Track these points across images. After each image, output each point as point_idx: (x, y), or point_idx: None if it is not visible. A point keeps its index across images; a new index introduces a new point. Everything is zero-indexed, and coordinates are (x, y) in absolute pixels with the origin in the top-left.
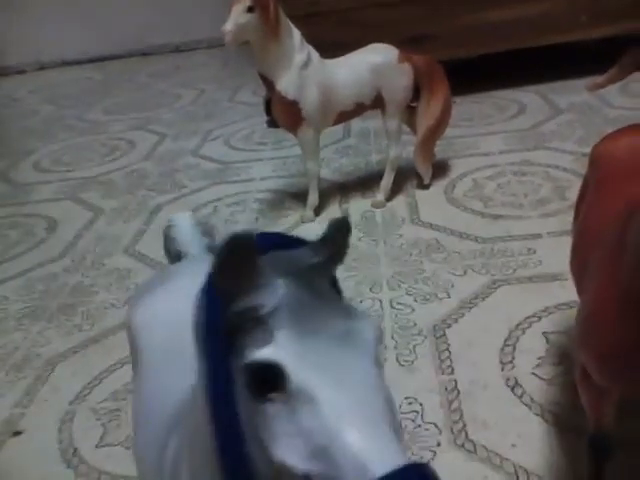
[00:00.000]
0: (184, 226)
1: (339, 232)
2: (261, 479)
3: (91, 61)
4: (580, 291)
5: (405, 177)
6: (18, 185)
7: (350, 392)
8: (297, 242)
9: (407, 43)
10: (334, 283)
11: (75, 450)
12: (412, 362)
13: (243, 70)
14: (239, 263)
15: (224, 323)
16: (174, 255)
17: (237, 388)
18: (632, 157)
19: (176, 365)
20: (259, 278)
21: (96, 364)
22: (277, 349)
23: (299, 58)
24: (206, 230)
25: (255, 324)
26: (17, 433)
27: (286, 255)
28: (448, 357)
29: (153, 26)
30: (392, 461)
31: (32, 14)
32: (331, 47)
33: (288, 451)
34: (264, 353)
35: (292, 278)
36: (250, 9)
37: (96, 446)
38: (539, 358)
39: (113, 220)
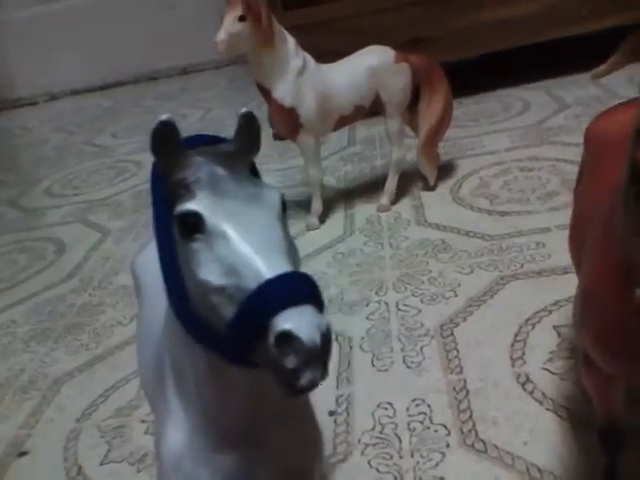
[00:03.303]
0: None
1: (247, 126)
2: (196, 307)
3: (100, 88)
4: (578, 271)
5: (410, 179)
6: (28, 211)
7: (253, 230)
8: (222, 140)
9: (407, 47)
10: (254, 170)
11: (80, 468)
12: (419, 363)
13: (248, 88)
14: (166, 141)
15: (164, 191)
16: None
17: (175, 237)
18: (624, 134)
19: (163, 297)
20: (186, 159)
21: (102, 381)
22: (196, 202)
23: (294, 65)
24: None
25: (183, 190)
26: (22, 454)
27: (211, 147)
28: (456, 357)
29: (159, 50)
30: (280, 269)
31: (41, 47)
32: (331, 56)
33: (208, 272)
34: (187, 205)
35: (213, 160)
36: (242, 18)
37: (100, 463)
38: (550, 353)
39: (121, 239)
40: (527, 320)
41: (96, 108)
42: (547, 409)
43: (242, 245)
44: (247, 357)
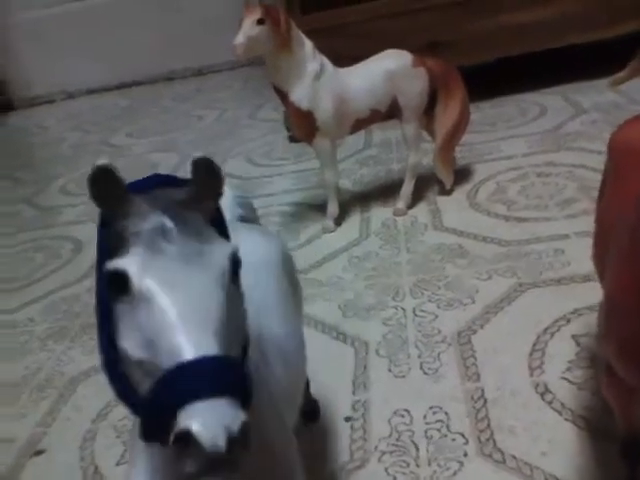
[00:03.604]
0: (224, 198)
1: (204, 172)
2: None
3: (116, 88)
4: (602, 281)
5: (427, 184)
6: (45, 209)
7: (184, 297)
8: (181, 182)
9: (424, 51)
10: (218, 216)
11: (96, 468)
12: (436, 370)
13: (264, 88)
14: (107, 187)
15: (104, 241)
16: None
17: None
18: None
19: None
20: (130, 207)
21: None
22: (126, 260)
23: (312, 68)
24: (243, 203)
25: (120, 242)
26: (39, 452)
27: (162, 192)
28: (474, 364)
29: (175, 51)
30: (202, 350)
31: (58, 46)
32: (349, 60)
33: (128, 341)
34: (115, 263)
35: (161, 209)
36: (260, 21)
37: (117, 464)
38: (569, 362)
39: None
40: (546, 329)
41: (113, 107)
42: (566, 419)
43: (166, 315)
44: (160, 437)
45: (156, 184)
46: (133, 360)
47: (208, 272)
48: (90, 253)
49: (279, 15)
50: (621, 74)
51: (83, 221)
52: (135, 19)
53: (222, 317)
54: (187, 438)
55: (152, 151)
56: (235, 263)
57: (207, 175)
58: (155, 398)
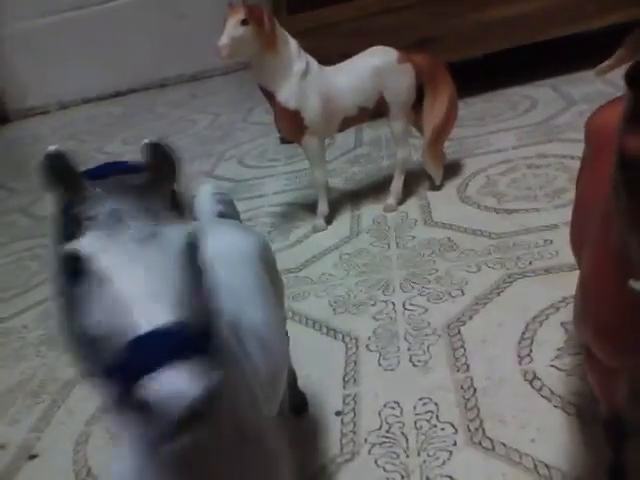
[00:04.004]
0: (203, 196)
1: (158, 156)
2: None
3: (110, 96)
4: (579, 264)
5: (417, 180)
6: (39, 219)
7: (137, 276)
8: (135, 168)
9: (412, 47)
10: (174, 200)
11: (89, 470)
12: (426, 362)
13: (256, 92)
14: (60, 173)
15: (62, 228)
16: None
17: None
18: None
19: None
20: (86, 192)
21: None
22: (83, 242)
23: (297, 67)
24: (222, 200)
25: (77, 226)
26: (32, 457)
27: (118, 179)
28: (463, 355)
29: (168, 58)
30: (158, 320)
31: (52, 56)
32: (337, 59)
33: (88, 318)
34: (71, 245)
35: (116, 194)
36: (244, 22)
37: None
38: (558, 349)
39: None
40: (534, 317)
41: (107, 116)
42: (555, 406)
43: (122, 292)
44: (123, 404)
45: (111, 171)
46: (90, 336)
47: (163, 252)
48: None
49: (263, 15)
50: (607, 62)
51: None
52: (128, 28)
53: (178, 293)
54: (145, 407)
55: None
56: (191, 243)
57: (161, 159)
58: (114, 370)
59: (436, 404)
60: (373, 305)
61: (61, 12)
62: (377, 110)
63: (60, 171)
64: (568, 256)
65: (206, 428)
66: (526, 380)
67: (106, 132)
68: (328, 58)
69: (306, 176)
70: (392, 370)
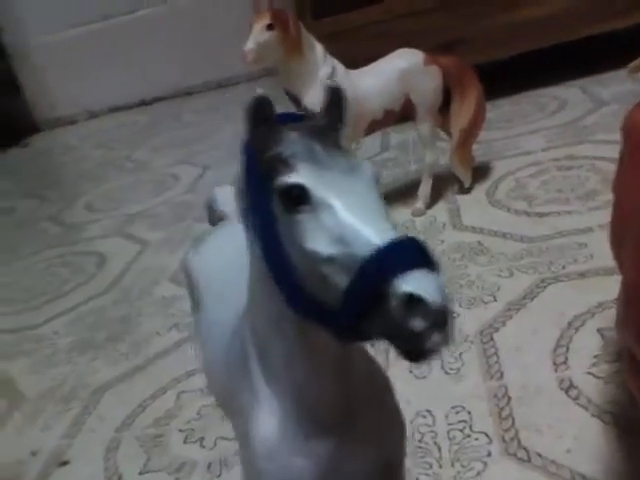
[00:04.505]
0: (225, 198)
1: (335, 100)
2: (304, 281)
3: (138, 105)
4: (620, 267)
5: (445, 183)
6: (70, 226)
7: (356, 199)
8: (307, 117)
9: (439, 50)
10: (340, 144)
11: (120, 477)
12: (459, 370)
13: (283, 99)
14: (262, 117)
15: (260, 167)
16: (216, 224)
17: (275, 210)
18: None
19: (228, 296)
20: (280, 134)
21: (140, 392)
22: (299, 176)
23: (323, 72)
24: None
25: (281, 165)
26: (64, 463)
27: (300, 124)
28: (497, 362)
29: (194, 66)
30: (390, 236)
31: (79, 67)
32: (363, 62)
33: (316, 242)
34: (291, 178)
35: (304, 135)
36: (270, 27)
37: (139, 473)
38: (595, 357)
39: (159, 251)
40: (570, 323)
41: (134, 124)
42: (592, 415)
43: (349, 214)
44: (361, 329)
45: (290, 119)
46: (324, 258)
47: (364, 181)
48: (114, 267)
49: (288, 20)
50: (638, 61)
51: (107, 236)
52: (153, 36)
53: (386, 212)
54: (413, 301)
55: (174, 164)
56: (378, 175)
57: (337, 103)
58: (362, 281)
59: (469, 413)
60: None
61: (88, 23)
62: (404, 113)
63: (261, 115)
64: (603, 260)
65: (451, 335)
66: (562, 389)
67: (134, 140)
68: (354, 62)
69: None
70: (424, 378)
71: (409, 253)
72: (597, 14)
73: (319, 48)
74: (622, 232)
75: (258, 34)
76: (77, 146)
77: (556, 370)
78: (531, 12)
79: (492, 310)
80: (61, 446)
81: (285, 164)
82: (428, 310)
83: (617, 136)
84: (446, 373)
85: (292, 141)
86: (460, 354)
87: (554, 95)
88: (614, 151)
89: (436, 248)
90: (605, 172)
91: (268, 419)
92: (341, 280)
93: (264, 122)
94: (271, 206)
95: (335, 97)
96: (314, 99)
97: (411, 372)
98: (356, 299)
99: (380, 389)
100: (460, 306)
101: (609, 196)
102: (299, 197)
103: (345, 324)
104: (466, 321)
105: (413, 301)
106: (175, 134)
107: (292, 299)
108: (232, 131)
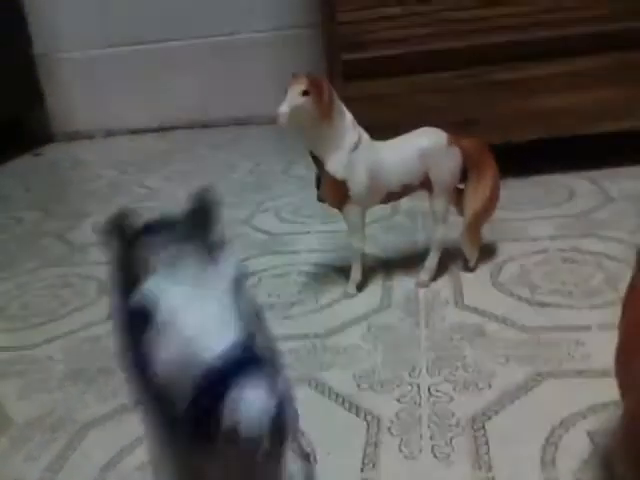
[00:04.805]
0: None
1: (198, 210)
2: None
3: (155, 131)
4: (623, 394)
5: (451, 258)
6: (75, 246)
7: (202, 312)
8: (173, 223)
9: (458, 126)
10: (212, 245)
11: None
12: (448, 455)
13: (298, 145)
14: (124, 229)
15: (120, 278)
16: None
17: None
18: None
19: None
20: (142, 242)
21: (128, 432)
22: (146, 294)
23: (350, 139)
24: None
25: (135, 281)
26: None
27: (167, 229)
28: (486, 453)
29: (214, 100)
30: (226, 343)
31: (103, 86)
32: (384, 128)
33: (160, 363)
34: (138, 298)
35: (165, 242)
36: (305, 93)
37: None
38: (583, 461)
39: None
40: (561, 422)
41: (150, 149)
42: None
43: (191, 331)
44: (205, 439)
45: (158, 225)
46: (166, 380)
47: (219, 287)
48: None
49: (324, 86)
50: None
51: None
52: (179, 67)
53: (237, 322)
54: (234, 434)
55: (184, 196)
56: (240, 275)
57: (205, 209)
58: (194, 404)
59: None
60: (398, 386)
61: (120, 45)
62: (421, 187)
63: (122, 228)
64: (599, 361)
65: (282, 442)
66: None
67: (148, 166)
68: (377, 127)
69: (341, 238)
70: (413, 459)
71: (238, 366)
72: (616, 113)
73: (348, 116)
74: (629, 366)
75: (293, 99)
76: (90, 163)
77: (543, 469)
78: (549, 102)
79: (486, 397)
80: (44, 479)
81: (138, 278)
82: (248, 442)
83: (624, 234)
84: (435, 457)
85: (150, 248)
86: (451, 439)
87: (564, 183)
88: (620, 250)
89: (437, 325)
90: (609, 271)
91: None
92: (185, 398)
93: (128, 234)
94: (129, 326)
95: (205, 205)
96: (338, 165)
97: (400, 451)
98: (191, 419)
99: None
100: (454, 389)
101: (611, 296)
102: (145, 317)
103: (190, 434)
104: (459, 405)
105: (235, 435)
106: (190, 165)
107: (147, 409)
108: (245, 171)
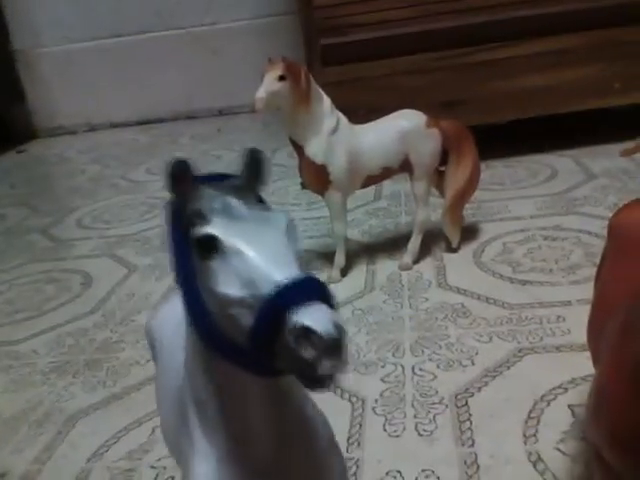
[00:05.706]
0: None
1: (252, 164)
2: (218, 322)
3: (138, 124)
4: (595, 362)
5: (433, 240)
6: (59, 241)
7: (264, 246)
8: (229, 176)
9: (439, 108)
10: (260, 199)
11: None
12: (432, 432)
13: (280, 133)
14: (182, 178)
15: (181, 222)
16: None
17: (194, 260)
18: None
19: (177, 358)
20: (199, 192)
21: (115, 422)
22: (212, 227)
23: (328, 124)
24: None
25: (199, 218)
26: None
27: (220, 183)
28: (469, 428)
29: (198, 91)
30: (290, 276)
31: (84, 80)
32: (365, 111)
33: (226, 286)
34: (205, 229)
35: (222, 192)
36: (282, 77)
37: None
38: (564, 432)
39: (146, 277)
40: (542, 396)
41: (133, 143)
42: None
43: (255, 259)
44: (271, 364)
45: (213, 178)
46: (234, 300)
47: (276, 230)
48: (99, 289)
49: (300, 72)
50: (633, 146)
51: (95, 255)
52: (161, 59)
53: (293, 256)
54: (304, 332)
55: None
56: (290, 223)
57: (256, 167)
58: (263, 317)
59: (438, 478)
60: (382, 367)
61: (100, 39)
62: (401, 170)
63: (182, 177)
64: (579, 335)
65: (345, 362)
66: (530, 461)
67: (131, 159)
68: (357, 111)
69: (325, 224)
70: (397, 437)
71: (306, 290)
72: (595, 90)
73: (326, 101)
74: (599, 330)
75: (270, 84)
76: (73, 158)
77: (526, 442)
78: (530, 81)
79: (469, 374)
80: (31, 471)
81: (202, 217)
82: (318, 340)
83: (604, 211)
84: (419, 434)
85: (209, 198)
86: (434, 416)
87: (547, 163)
88: (600, 226)
89: (420, 306)
90: (589, 247)
91: (202, 464)
92: (248, 320)
93: (184, 182)
94: (190, 256)
95: (255, 159)
96: (317, 149)
97: (385, 430)
98: (259, 335)
99: (313, 431)
100: (438, 367)
101: (590, 271)
102: (211, 245)
103: (254, 360)
104: (443, 383)
105: (304, 332)
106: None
107: (208, 340)
108: (229, 160)
